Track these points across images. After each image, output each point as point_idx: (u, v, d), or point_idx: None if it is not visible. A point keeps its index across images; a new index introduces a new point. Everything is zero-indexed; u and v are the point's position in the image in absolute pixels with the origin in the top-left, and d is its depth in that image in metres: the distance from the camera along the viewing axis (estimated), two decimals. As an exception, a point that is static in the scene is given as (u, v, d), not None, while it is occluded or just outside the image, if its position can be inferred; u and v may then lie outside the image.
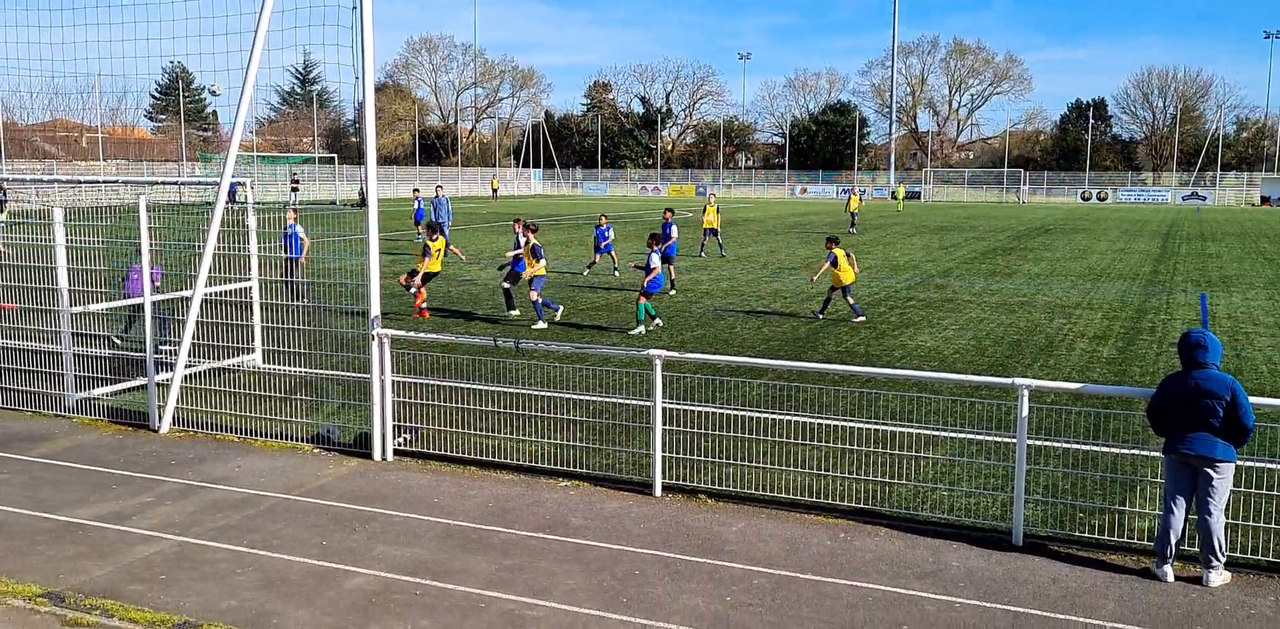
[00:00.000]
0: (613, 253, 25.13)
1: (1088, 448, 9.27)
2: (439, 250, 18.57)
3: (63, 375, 11.19)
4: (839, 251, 18.00)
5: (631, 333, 16.29)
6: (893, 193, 77.21)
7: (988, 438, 9.76)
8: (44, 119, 78.89)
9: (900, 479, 8.73)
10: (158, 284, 12.40)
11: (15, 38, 11.08)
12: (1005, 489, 8.31)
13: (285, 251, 18.59)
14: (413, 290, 18.16)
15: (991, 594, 6.64)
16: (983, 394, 11.20)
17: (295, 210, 19.71)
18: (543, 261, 17.46)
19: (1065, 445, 9.30)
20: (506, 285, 18.43)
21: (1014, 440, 7.69)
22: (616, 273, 24.89)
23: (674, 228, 22.43)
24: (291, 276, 18.48)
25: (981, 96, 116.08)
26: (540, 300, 17.14)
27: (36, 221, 11.98)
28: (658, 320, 16.82)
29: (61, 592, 6.55)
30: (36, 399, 11.18)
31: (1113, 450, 9.31)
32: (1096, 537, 7.61)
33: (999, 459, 9.23)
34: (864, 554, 7.30)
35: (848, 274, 17.89)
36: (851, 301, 18.04)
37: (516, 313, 18.07)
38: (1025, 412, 7.55)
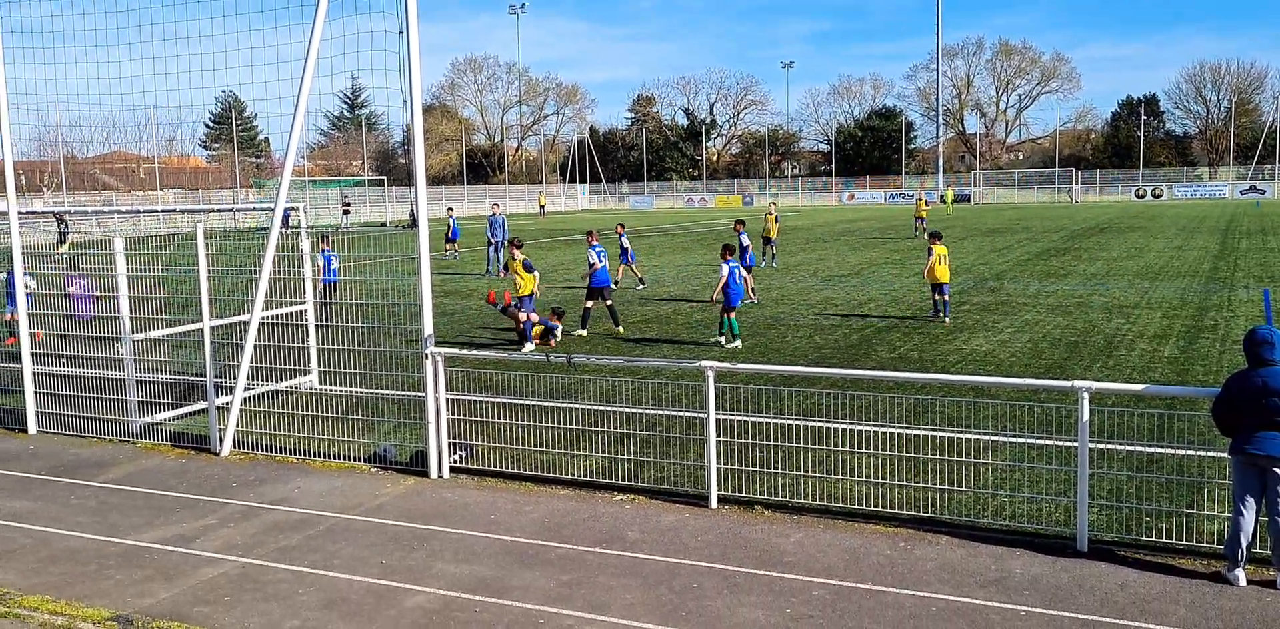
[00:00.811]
0: (633, 263, 25.15)
1: (1152, 450, 9.07)
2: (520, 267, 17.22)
3: (126, 402, 11.43)
4: (938, 248, 18.39)
5: (729, 346, 15.90)
6: (941, 196, 76.44)
7: (1048, 442, 9.58)
8: (103, 152, 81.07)
9: (960, 486, 8.60)
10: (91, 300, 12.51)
11: (74, 74, 11.41)
12: (1068, 494, 8.15)
13: (320, 274, 18.93)
14: (523, 316, 16.80)
15: (1058, 602, 6.51)
16: (1041, 398, 11.00)
17: (326, 237, 20.09)
18: (534, 275, 16.98)
19: (1129, 448, 9.11)
20: (589, 304, 18.00)
21: (1075, 444, 7.55)
22: (640, 286, 24.59)
23: (745, 236, 22.39)
24: (327, 299, 18.79)
25: (1029, 96, 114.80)
26: (530, 322, 16.45)
27: (98, 252, 12.28)
28: (721, 338, 16.24)
29: (130, 615, 6.67)
30: (102, 426, 11.44)
31: (1178, 452, 9.09)
32: (1164, 541, 7.43)
33: (1060, 464, 9.06)
34: (925, 563, 7.19)
35: (937, 272, 18.21)
36: (936, 299, 18.36)
37: (621, 328, 17.78)
38: (1086, 415, 7.40)
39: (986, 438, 9.55)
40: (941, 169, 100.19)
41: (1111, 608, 6.41)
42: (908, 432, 9.53)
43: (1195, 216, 53.57)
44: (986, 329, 17.29)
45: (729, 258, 16.51)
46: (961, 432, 9.26)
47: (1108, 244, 35.77)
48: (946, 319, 18.17)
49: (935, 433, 9.29)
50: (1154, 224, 47.63)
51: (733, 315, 16.17)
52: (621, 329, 17.76)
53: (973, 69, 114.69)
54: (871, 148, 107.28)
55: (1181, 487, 8.53)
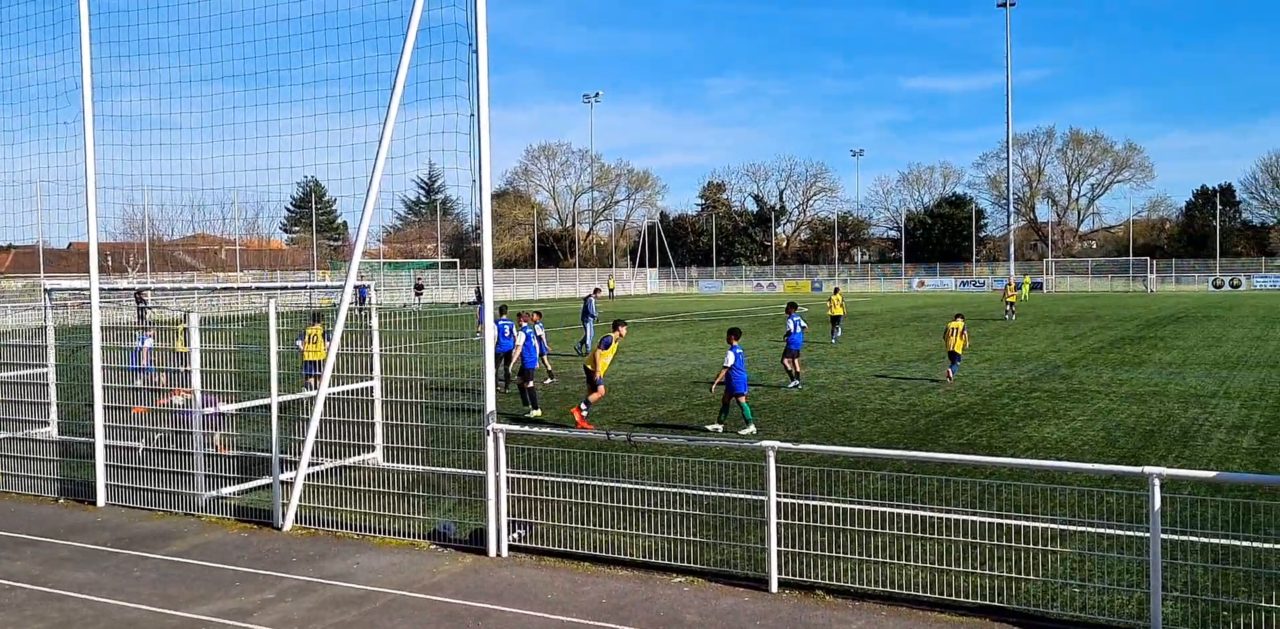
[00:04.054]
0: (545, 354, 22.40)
1: (1229, 542, 8.70)
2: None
3: (194, 475, 11.61)
4: (953, 323, 22.14)
5: (743, 433, 15.62)
6: (1018, 283, 75.63)
7: (1120, 532, 9.25)
8: (187, 233, 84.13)
9: (1028, 574, 8.31)
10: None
11: (161, 155, 12.00)
12: (1141, 585, 7.84)
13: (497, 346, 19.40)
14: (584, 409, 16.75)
15: (1132, 699, 6.20)
16: (1114, 485, 10.65)
17: (504, 309, 20.81)
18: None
19: (1204, 540, 8.75)
20: (530, 383, 18.36)
21: (1148, 534, 7.28)
22: (550, 380, 22.76)
23: (794, 320, 21.95)
24: (504, 370, 19.18)
25: (1102, 185, 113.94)
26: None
27: (174, 327, 12.68)
28: (718, 426, 16.06)
29: (185, 684, 6.69)
30: (169, 499, 11.61)
31: (1256, 544, 8.70)
32: (1247, 638, 7.07)
33: (1134, 553, 8.73)
34: (991, 654, 6.92)
35: (952, 343, 22.01)
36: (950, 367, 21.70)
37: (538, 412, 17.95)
38: (1158, 503, 7.17)
39: (1056, 526, 9.26)
40: (1014, 257, 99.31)
41: (1190, 707, 6.09)
42: (975, 518, 9.27)
43: (1275, 306, 52.14)
44: (1058, 416, 16.88)
45: (735, 343, 16.38)
46: (1031, 519, 8.99)
47: (1184, 333, 34.92)
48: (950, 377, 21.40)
49: (1003, 520, 9.03)
50: (1232, 314, 46.44)
51: (744, 400, 16.02)
52: (539, 412, 17.98)
53: (1043, 158, 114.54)
54: (942, 235, 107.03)
55: (1261, 580, 8.14)
